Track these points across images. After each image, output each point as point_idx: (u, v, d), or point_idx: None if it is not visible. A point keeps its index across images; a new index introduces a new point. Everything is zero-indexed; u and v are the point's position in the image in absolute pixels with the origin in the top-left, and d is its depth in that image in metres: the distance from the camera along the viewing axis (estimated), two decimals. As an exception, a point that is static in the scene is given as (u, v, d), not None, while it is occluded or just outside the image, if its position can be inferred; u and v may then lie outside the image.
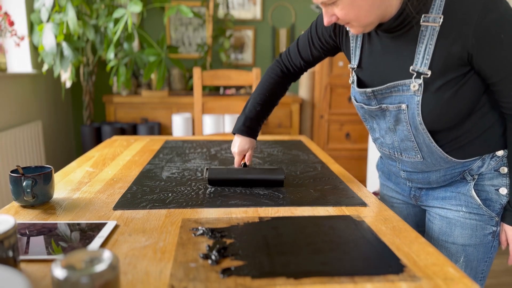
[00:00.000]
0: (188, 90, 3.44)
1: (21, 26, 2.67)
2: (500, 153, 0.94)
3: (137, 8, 2.56)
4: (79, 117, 3.45)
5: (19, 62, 2.73)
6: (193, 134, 3.07)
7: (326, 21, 0.86)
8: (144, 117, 3.13)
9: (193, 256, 0.68)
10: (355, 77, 1.01)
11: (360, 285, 0.60)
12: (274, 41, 3.53)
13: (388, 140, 1.00)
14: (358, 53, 1.00)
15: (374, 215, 0.88)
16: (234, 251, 0.69)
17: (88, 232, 0.76)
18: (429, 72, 0.85)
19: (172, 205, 0.92)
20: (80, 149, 3.46)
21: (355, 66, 1.01)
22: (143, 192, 1.01)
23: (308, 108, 3.29)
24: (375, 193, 1.27)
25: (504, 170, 0.94)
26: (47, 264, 0.65)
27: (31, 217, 0.85)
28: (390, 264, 0.66)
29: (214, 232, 0.77)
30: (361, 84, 1.01)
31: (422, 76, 0.86)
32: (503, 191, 0.94)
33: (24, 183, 0.86)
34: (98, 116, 3.44)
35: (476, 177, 0.96)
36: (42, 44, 2.59)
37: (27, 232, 0.76)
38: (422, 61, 0.86)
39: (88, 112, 3.17)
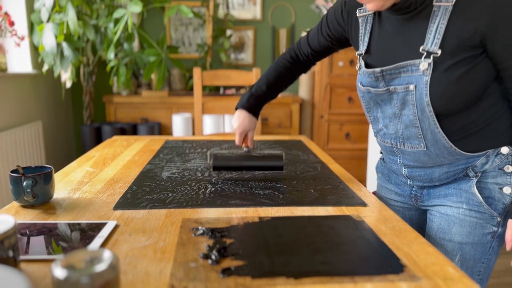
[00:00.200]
0: (188, 90, 3.44)
1: (21, 26, 2.67)
2: (505, 150, 0.92)
3: (137, 8, 2.56)
4: (79, 117, 3.45)
5: (19, 62, 2.73)
6: (193, 134, 3.07)
7: None
8: (144, 117, 3.13)
9: (193, 256, 0.68)
10: (362, 63, 1.00)
11: (360, 285, 0.60)
12: (274, 41, 3.53)
13: (391, 130, 0.98)
14: (366, 39, 1.00)
15: (374, 215, 0.88)
16: (234, 251, 0.69)
17: (88, 232, 0.77)
18: (439, 52, 0.84)
19: (172, 205, 0.92)
20: (80, 149, 3.46)
21: (363, 52, 1.00)
22: (143, 192, 1.01)
23: (308, 108, 3.29)
24: (374, 193, 1.27)
25: (509, 168, 0.92)
26: (47, 264, 0.65)
27: (31, 217, 0.85)
28: (390, 264, 0.66)
29: (214, 232, 0.77)
30: (368, 67, 1.00)
31: (432, 56, 0.85)
32: (507, 190, 0.92)
33: (24, 183, 0.86)
34: (98, 116, 3.44)
35: (479, 174, 0.94)
36: (42, 44, 2.59)
37: (27, 232, 0.76)
38: (432, 41, 0.85)
39: (88, 112, 3.17)
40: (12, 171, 0.91)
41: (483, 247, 0.96)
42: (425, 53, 0.86)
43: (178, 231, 0.78)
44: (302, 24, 3.53)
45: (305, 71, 1.28)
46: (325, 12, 3.28)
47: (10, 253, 0.59)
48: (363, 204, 0.94)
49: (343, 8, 1.06)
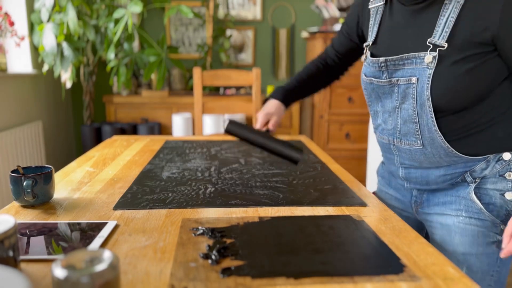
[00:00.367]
0: (188, 90, 3.44)
1: (21, 26, 2.67)
2: (507, 156, 0.87)
3: (137, 8, 2.56)
4: (79, 117, 3.45)
5: (20, 62, 2.73)
6: (193, 134, 3.07)
7: None
8: (144, 117, 3.13)
9: (193, 256, 0.68)
10: (368, 54, 0.99)
11: (360, 285, 0.60)
12: (274, 41, 3.53)
13: (389, 125, 0.96)
14: (375, 29, 0.99)
15: (374, 215, 0.88)
16: (234, 251, 0.69)
17: (88, 232, 0.77)
18: (446, 45, 0.82)
19: (172, 205, 0.92)
20: (80, 149, 3.47)
21: (370, 42, 1.00)
22: (143, 192, 1.01)
23: (308, 108, 3.30)
24: (375, 193, 1.27)
25: (511, 175, 0.87)
26: (47, 264, 0.65)
27: (31, 217, 0.85)
28: (390, 264, 0.66)
29: (214, 232, 0.77)
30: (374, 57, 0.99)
31: (438, 49, 0.83)
32: (510, 195, 0.87)
33: (24, 183, 0.86)
34: (98, 116, 3.45)
35: (478, 180, 0.90)
36: (43, 44, 2.59)
37: (28, 232, 0.76)
38: (440, 34, 0.83)
39: (89, 112, 3.17)
40: (12, 171, 0.91)
41: (490, 258, 0.90)
42: (431, 46, 0.84)
43: (178, 231, 0.78)
44: (302, 24, 3.53)
45: (337, 77, 1.27)
46: (325, 12, 3.28)
47: (10, 253, 0.59)
48: (363, 204, 0.94)
49: (358, 0, 1.07)
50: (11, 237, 0.59)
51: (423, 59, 0.85)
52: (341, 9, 3.42)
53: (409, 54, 0.87)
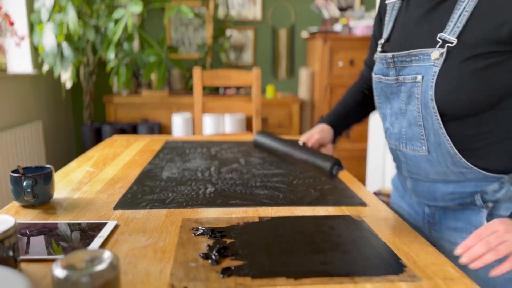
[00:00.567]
0: (188, 90, 3.44)
1: (21, 26, 2.67)
2: None
3: (137, 8, 2.56)
4: (79, 117, 3.45)
5: (19, 62, 2.73)
6: (193, 134, 3.07)
7: None
8: (144, 117, 3.13)
9: (193, 256, 0.68)
10: (379, 49, 0.95)
11: (360, 285, 0.60)
12: (274, 41, 3.53)
13: (396, 128, 0.90)
14: (390, 26, 0.93)
15: (374, 215, 0.88)
16: (234, 251, 0.69)
17: (88, 232, 0.77)
18: (455, 41, 0.75)
19: (172, 205, 0.92)
20: (80, 149, 3.47)
21: (383, 40, 0.94)
22: (143, 192, 1.01)
23: (308, 108, 3.30)
24: (375, 194, 1.27)
25: None
26: (47, 264, 0.65)
27: (31, 217, 0.85)
28: (390, 264, 0.66)
29: (214, 232, 0.77)
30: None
31: (446, 45, 0.76)
32: None
33: (24, 183, 0.86)
34: (98, 116, 3.45)
35: (490, 205, 0.80)
36: (42, 45, 2.59)
37: (28, 232, 0.76)
38: (452, 29, 0.76)
39: (89, 112, 3.18)
40: (13, 171, 0.91)
41: None
42: (440, 42, 0.77)
43: (178, 231, 0.78)
44: (302, 24, 3.53)
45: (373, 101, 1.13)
46: (325, 12, 3.28)
47: (10, 253, 0.59)
48: (363, 204, 0.94)
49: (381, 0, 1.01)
50: (11, 237, 0.59)
51: (430, 55, 0.78)
52: (341, 9, 3.42)
53: (416, 50, 0.81)
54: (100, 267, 0.48)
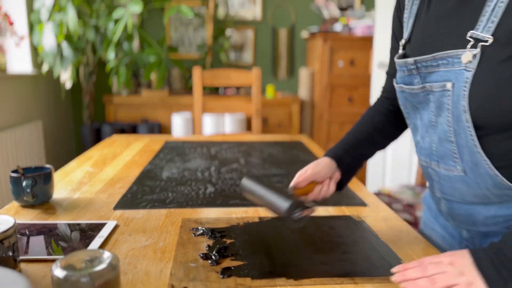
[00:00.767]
0: (188, 90, 3.44)
1: (21, 26, 2.67)
2: None
3: (137, 8, 2.56)
4: (79, 117, 3.45)
5: (19, 62, 2.73)
6: (193, 134, 3.07)
7: None
8: (144, 117, 3.13)
9: (193, 256, 0.68)
10: (400, 52, 0.81)
11: (360, 286, 0.60)
12: (274, 41, 3.53)
13: (426, 143, 0.77)
14: (410, 23, 0.79)
15: (374, 215, 0.88)
16: (234, 251, 0.69)
17: (88, 232, 0.76)
18: (490, 39, 0.62)
19: (172, 205, 0.92)
20: (80, 149, 3.46)
21: (404, 41, 0.80)
22: (143, 192, 1.01)
23: (308, 108, 3.29)
24: (375, 194, 1.27)
25: None
26: (47, 264, 0.65)
27: (31, 217, 0.85)
28: (391, 264, 0.66)
29: (214, 232, 0.77)
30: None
31: (480, 44, 0.63)
32: None
33: (24, 183, 0.86)
34: (98, 116, 3.44)
35: None
36: (42, 44, 2.59)
37: (27, 232, 0.76)
38: (485, 25, 0.63)
39: (88, 112, 3.17)
40: (12, 171, 0.91)
41: None
42: (472, 41, 0.65)
43: (178, 231, 0.78)
44: (302, 24, 3.53)
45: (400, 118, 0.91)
46: (325, 12, 3.28)
47: (10, 253, 0.59)
48: (363, 204, 0.94)
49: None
50: (11, 237, 0.59)
51: (461, 58, 0.65)
52: (341, 9, 3.42)
53: (443, 52, 0.68)
54: (99, 267, 0.48)
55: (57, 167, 2.81)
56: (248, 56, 3.56)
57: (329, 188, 0.81)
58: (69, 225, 0.80)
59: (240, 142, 1.63)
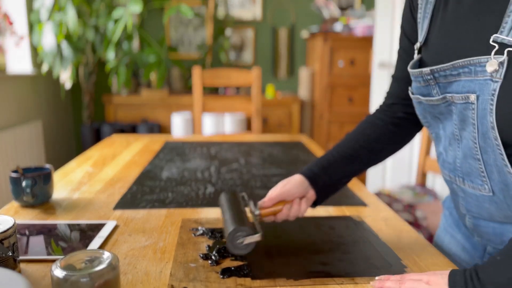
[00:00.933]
0: (188, 89, 3.44)
1: (21, 26, 2.67)
2: None
3: (137, 8, 2.56)
4: (79, 117, 3.45)
5: (19, 62, 2.73)
6: (193, 134, 3.07)
7: None
8: (144, 117, 3.13)
9: (193, 256, 0.68)
10: (416, 58, 0.72)
11: (361, 286, 0.59)
12: (274, 41, 3.53)
13: (450, 157, 0.70)
14: (425, 25, 0.70)
15: (374, 215, 0.88)
16: (234, 251, 0.69)
17: (88, 232, 0.76)
18: None
19: (172, 205, 0.92)
20: (80, 149, 3.46)
21: (419, 45, 0.72)
22: (143, 192, 1.01)
23: (308, 108, 3.29)
24: (376, 194, 1.26)
25: None
26: (47, 264, 0.65)
27: (31, 217, 0.85)
28: (391, 264, 0.66)
29: (214, 232, 0.77)
30: (423, 67, 0.69)
31: (506, 50, 0.56)
32: None
33: (23, 183, 0.86)
34: (98, 116, 3.44)
35: None
36: (42, 44, 2.59)
37: (27, 232, 0.76)
38: (511, 27, 0.56)
39: (88, 112, 3.17)
40: (12, 171, 0.91)
41: None
42: (496, 46, 0.57)
43: (178, 231, 0.78)
44: (302, 24, 3.53)
45: (419, 127, 0.83)
46: (325, 12, 3.28)
47: (10, 253, 0.59)
48: (363, 204, 0.94)
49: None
50: (11, 237, 0.59)
51: (485, 66, 0.58)
52: (341, 9, 3.42)
53: (464, 60, 0.60)
54: (99, 267, 0.48)
55: (56, 167, 2.80)
56: (248, 56, 3.56)
57: (300, 207, 0.74)
58: (69, 225, 0.80)
59: (240, 142, 1.63)
